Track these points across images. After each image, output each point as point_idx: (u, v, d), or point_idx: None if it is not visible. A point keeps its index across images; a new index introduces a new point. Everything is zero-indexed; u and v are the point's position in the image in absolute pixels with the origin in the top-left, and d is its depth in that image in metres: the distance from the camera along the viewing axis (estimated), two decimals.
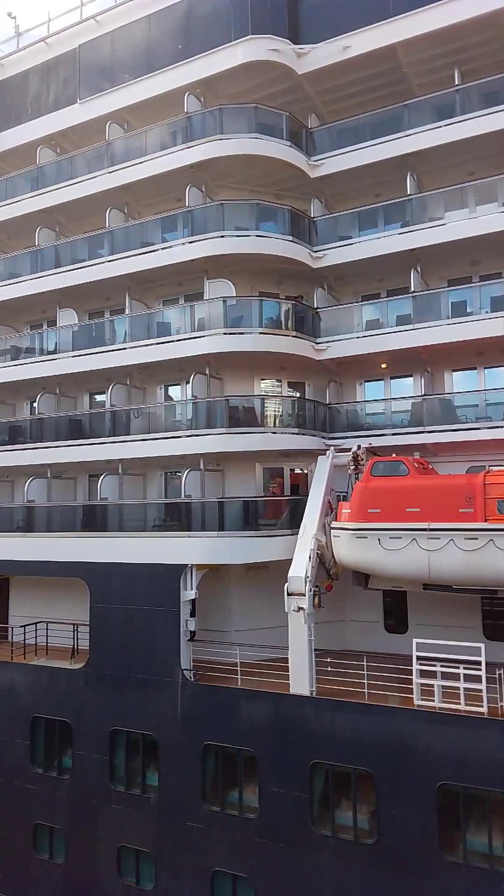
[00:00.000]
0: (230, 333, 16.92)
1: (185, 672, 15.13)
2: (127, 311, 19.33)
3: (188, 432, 17.10)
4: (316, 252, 17.93)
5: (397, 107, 17.19)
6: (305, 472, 17.96)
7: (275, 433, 16.97)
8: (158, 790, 14.95)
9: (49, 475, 19.81)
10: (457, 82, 16.64)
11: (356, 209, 18.08)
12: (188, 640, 15.52)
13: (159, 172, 18.47)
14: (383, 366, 17.95)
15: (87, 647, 16.82)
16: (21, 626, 18.83)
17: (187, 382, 17.78)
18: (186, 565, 15.68)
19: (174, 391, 19.71)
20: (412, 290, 16.89)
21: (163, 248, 18.28)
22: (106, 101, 20.00)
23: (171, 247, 18.09)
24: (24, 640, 18.42)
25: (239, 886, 13.69)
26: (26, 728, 16.95)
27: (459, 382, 17.30)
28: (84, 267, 19.62)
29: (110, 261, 19.11)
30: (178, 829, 14.47)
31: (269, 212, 17.89)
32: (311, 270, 18.02)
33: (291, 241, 17.46)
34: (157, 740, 15.09)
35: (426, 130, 16.62)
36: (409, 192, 17.05)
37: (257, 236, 17.34)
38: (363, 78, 17.70)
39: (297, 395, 18.34)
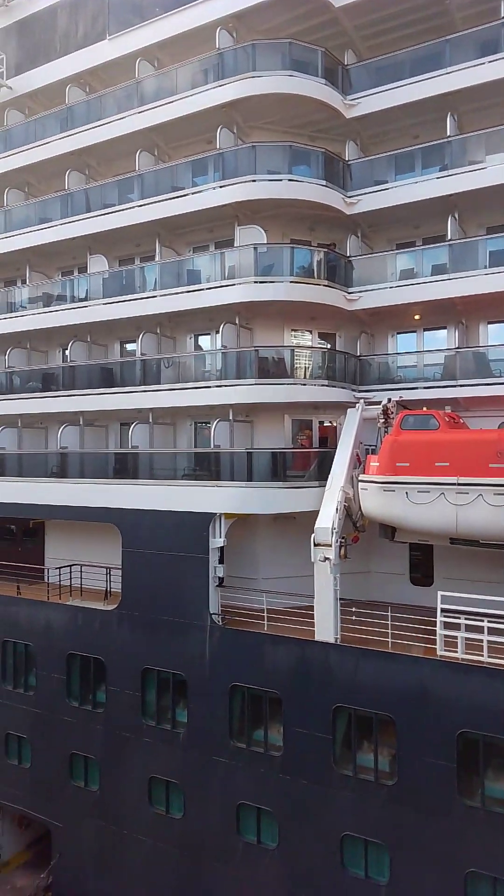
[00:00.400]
0: (261, 282, 16.66)
1: (213, 616, 15.61)
2: (157, 257, 19.11)
3: (217, 382, 17.11)
4: (350, 197, 17.36)
5: (438, 42, 16.25)
6: (334, 424, 17.90)
7: (304, 385, 16.84)
8: (187, 726, 15.67)
9: (81, 422, 20.10)
10: (502, 15, 15.58)
11: (393, 152, 17.33)
12: (216, 585, 15.94)
13: (190, 112, 17.88)
14: (417, 317, 17.57)
15: (120, 590, 17.41)
16: (56, 569, 19.53)
17: (217, 332, 17.67)
18: (215, 514, 15.96)
19: (204, 341, 19.60)
20: (449, 238, 16.33)
21: (193, 193, 17.85)
22: (135, 37, 19.26)
23: (201, 191, 17.65)
24: (60, 581, 19.13)
25: (263, 819, 14.44)
26: (62, 664, 17.77)
27: (495, 335, 16.85)
28: (114, 212, 19.32)
29: (140, 205, 18.77)
30: (205, 762, 15.21)
31: (303, 155, 17.28)
32: (344, 217, 17.49)
33: (325, 186, 16.90)
34: (186, 679, 15.73)
35: (468, 68, 15.73)
36: (448, 134, 16.27)
37: (290, 180, 16.80)
38: (403, 11, 16.72)
39: (328, 346, 18.11)
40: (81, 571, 19.44)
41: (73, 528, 20.61)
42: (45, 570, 20.47)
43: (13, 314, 21.88)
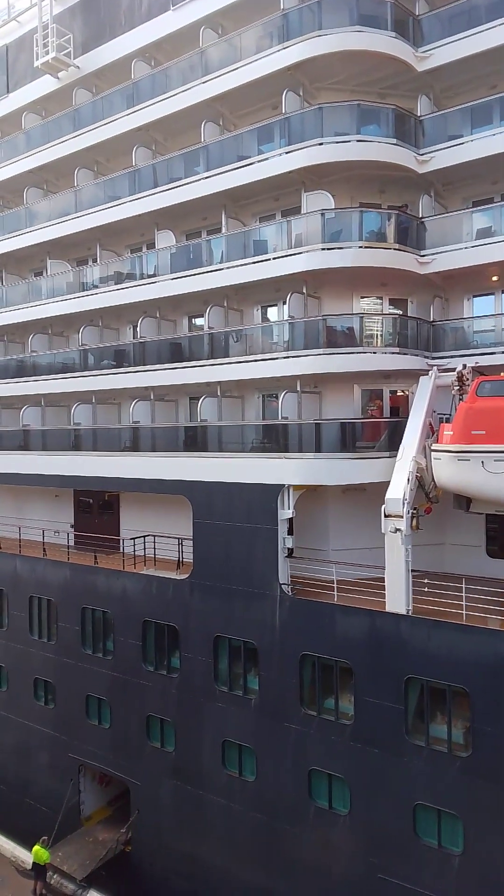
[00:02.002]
0: (328, 249, 16.31)
1: (282, 586, 15.69)
2: (223, 230, 19.04)
3: (284, 354, 16.97)
4: (422, 155, 16.68)
5: None
6: (406, 393, 17.46)
7: (374, 353, 16.47)
8: (259, 692, 15.91)
9: (152, 397, 20.46)
10: None
11: (468, 104, 16.44)
12: (286, 556, 15.99)
13: (255, 78, 17.57)
14: (494, 278, 16.78)
15: (191, 560, 17.76)
16: (131, 539, 20.11)
17: (284, 302, 17.48)
18: (283, 485, 15.96)
19: (271, 312, 19.46)
20: None
21: (258, 161, 17.61)
22: (199, 5, 19.01)
23: (266, 159, 17.38)
24: (134, 551, 19.72)
25: (335, 784, 14.55)
26: (138, 630, 18.37)
27: None
28: (179, 186, 19.33)
29: (206, 178, 18.69)
30: (277, 728, 15.43)
31: (372, 113, 16.67)
32: (416, 176, 16.84)
33: (396, 145, 16.31)
34: (257, 648, 15.93)
35: None
36: None
37: (358, 141, 16.29)
38: None
39: (399, 312, 17.58)
40: (155, 542, 19.95)
41: (145, 500, 21.13)
42: (121, 541, 21.11)
43: (86, 293, 22.39)
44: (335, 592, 14.98)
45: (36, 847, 17.20)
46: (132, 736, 18.43)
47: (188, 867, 17.05)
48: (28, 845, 17.42)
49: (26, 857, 17.64)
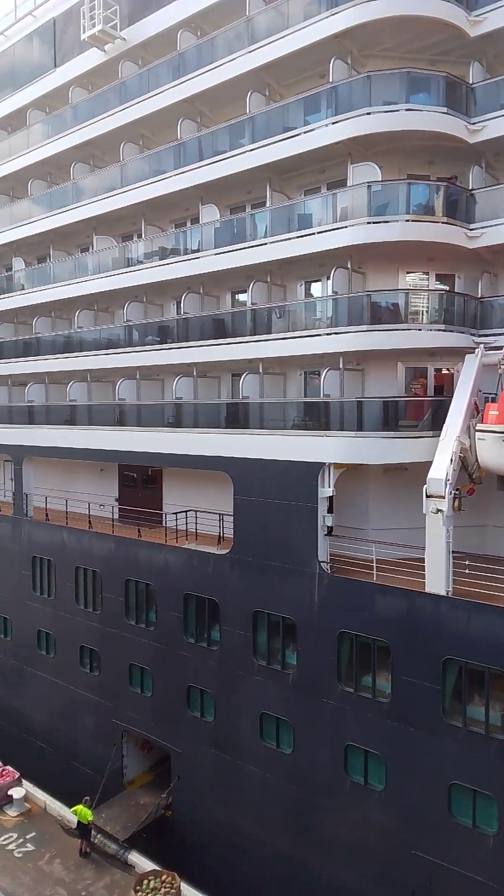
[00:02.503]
0: (374, 222, 15.94)
1: (321, 564, 15.73)
2: (268, 203, 18.79)
3: (327, 330, 16.77)
4: (473, 124, 16.07)
5: None
6: (451, 371, 17.07)
7: (419, 330, 16.14)
8: (296, 668, 16.09)
9: (195, 374, 20.55)
10: None
11: None
12: (325, 534, 15.99)
13: (302, 46, 17.13)
14: None
15: (232, 535, 17.93)
16: (173, 514, 20.43)
17: (328, 278, 17.22)
18: (324, 463, 15.90)
19: (314, 288, 19.21)
20: None
21: (304, 132, 17.25)
22: None
23: (312, 129, 17.02)
24: (176, 525, 20.03)
25: (370, 760, 14.67)
26: (180, 603, 18.74)
27: None
28: (224, 159, 19.11)
29: (251, 150, 18.43)
30: (314, 703, 15.61)
31: (422, 81, 16.10)
32: (467, 146, 16.25)
33: (446, 114, 15.73)
34: (296, 623, 16.07)
35: None
36: None
37: (407, 110, 15.78)
38: None
39: (446, 288, 17.12)
40: (196, 517, 20.21)
41: (187, 475, 21.38)
42: (163, 515, 21.47)
43: (130, 269, 22.50)
44: (374, 571, 14.94)
45: (78, 806, 17.92)
46: (173, 705, 18.93)
47: (225, 834, 17.54)
48: (76, 804, 18.19)
49: (72, 817, 18.42)
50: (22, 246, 28.10)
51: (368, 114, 16.02)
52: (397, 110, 15.85)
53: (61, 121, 25.02)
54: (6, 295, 27.99)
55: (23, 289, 27.40)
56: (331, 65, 16.72)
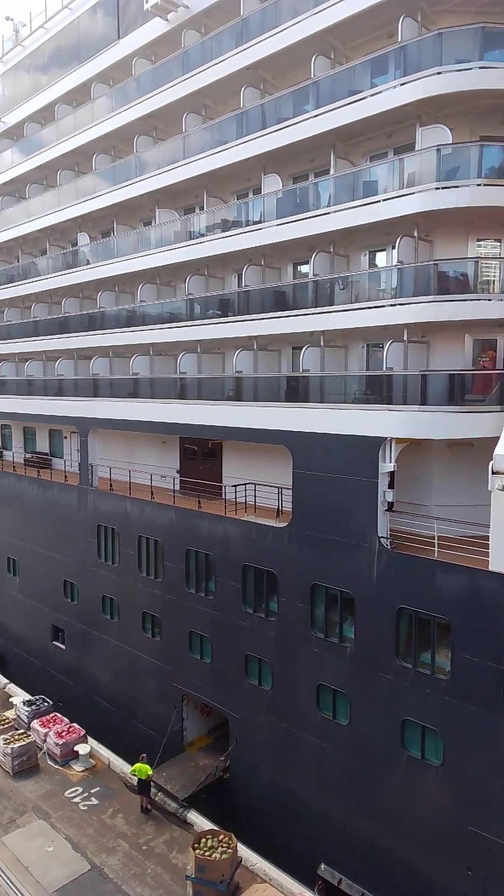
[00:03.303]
0: (443, 188, 15.34)
1: (381, 539, 15.58)
2: (331, 171, 18.33)
3: (392, 301, 16.35)
4: None
5: None
6: None
7: (489, 301, 15.52)
8: (354, 641, 16.11)
9: (255, 347, 20.49)
10: None
11: None
12: (385, 509, 15.81)
13: (370, 5, 16.42)
14: None
15: (290, 508, 17.96)
16: (233, 486, 20.61)
17: (393, 247, 16.74)
18: (386, 438, 15.65)
19: (379, 258, 18.72)
20: None
21: (371, 95, 16.67)
22: None
23: (379, 92, 16.42)
24: (236, 498, 20.23)
25: (427, 736, 14.62)
26: (238, 573, 19.01)
27: None
28: (287, 126, 18.71)
29: (315, 116, 17.97)
30: (371, 677, 15.63)
31: (497, 37, 15.17)
32: None
33: None
34: (354, 598, 16.05)
35: None
36: None
37: (481, 68, 14.98)
38: None
39: None
40: (255, 490, 20.34)
41: (247, 448, 21.48)
42: (223, 488, 21.69)
43: (192, 242, 22.50)
44: (436, 548, 14.70)
45: (137, 765, 18.64)
46: (231, 672, 19.33)
47: (282, 798, 17.92)
48: (135, 763, 18.94)
49: (133, 776, 19.16)
50: (87, 221, 28.51)
51: (439, 73, 15.29)
52: (470, 68, 15.06)
53: (125, 93, 25.06)
54: (72, 270, 28.54)
55: (87, 263, 27.86)
56: (400, 23, 16.02)
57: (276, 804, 18.08)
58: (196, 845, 15.85)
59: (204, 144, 21.76)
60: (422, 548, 15.03)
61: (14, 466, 32.51)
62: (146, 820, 18.49)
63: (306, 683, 17.18)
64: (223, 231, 21.45)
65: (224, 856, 15.47)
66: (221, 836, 16.24)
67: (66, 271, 28.82)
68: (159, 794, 19.22)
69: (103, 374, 26.38)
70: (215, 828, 17.18)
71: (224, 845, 15.86)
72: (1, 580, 32.02)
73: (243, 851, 16.48)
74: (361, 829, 15.87)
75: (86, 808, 19.05)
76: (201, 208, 23.01)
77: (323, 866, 16.54)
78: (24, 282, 32.08)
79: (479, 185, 15.14)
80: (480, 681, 13.49)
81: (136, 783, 18.89)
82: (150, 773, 18.70)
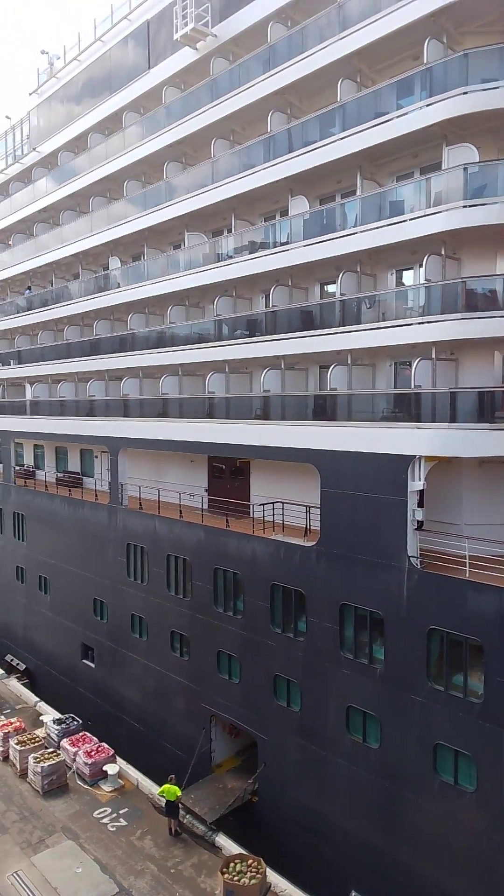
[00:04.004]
0: (471, 206, 15.35)
1: (411, 559, 15.40)
2: (358, 191, 18.50)
3: (419, 319, 16.33)
4: None
5: None
6: None
7: None
8: (384, 662, 15.87)
9: (282, 366, 20.60)
10: None
11: None
12: (415, 528, 15.64)
13: (396, 28, 16.67)
14: None
15: (318, 527, 17.88)
16: (261, 505, 20.63)
17: (420, 266, 16.76)
18: (415, 456, 15.53)
19: (406, 276, 18.74)
20: None
21: (397, 117, 16.83)
22: None
23: (405, 113, 16.57)
24: (264, 516, 20.22)
25: (461, 761, 14.27)
26: (266, 592, 18.93)
27: None
28: (314, 149, 18.97)
29: (341, 138, 18.19)
30: (402, 699, 15.35)
31: None
32: None
33: None
34: (383, 618, 15.84)
35: None
36: None
37: None
38: None
39: None
40: (283, 508, 20.30)
41: (275, 467, 21.51)
42: (251, 506, 21.71)
43: (220, 264, 22.83)
44: (467, 568, 14.46)
45: (165, 786, 18.53)
46: (260, 692, 19.16)
47: (311, 822, 17.61)
48: (163, 784, 18.83)
49: (161, 798, 19.04)
50: (118, 245, 29.16)
51: (465, 93, 15.41)
52: (497, 87, 15.14)
53: (155, 121, 25.72)
54: (103, 293, 29.15)
55: (118, 286, 28.44)
56: (425, 45, 16.22)
57: (306, 828, 17.77)
58: (225, 869, 15.66)
59: (232, 168, 22.17)
60: (453, 567, 14.80)
61: (46, 485, 33.02)
62: (174, 842, 18.34)
63: (336, 705, 16.95)
64: (251, 252, 21.73)
65: (253, 881, 15.27)
66: (250, 861, 16.02)
67: (98, 294, 29.45)
68: (187, 816, 19.05)
69: (133, 394, 26.76)
70: (244, 852, 16.96)
71: (253, 870, 15.66)
72: (33, 598, 32.40)
73: (272, 877, 16.23)
74: (393, 855, 15.49)
75: (114, 829, 18.98)
76: (229, 231, 23.38)
77: (353, 893, 16.16)
78: (57, 305, 32.85)
79: None
80: None
81: (164, 804, 18.78)
82: (179, 794, 18.58)
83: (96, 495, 28.39)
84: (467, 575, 14.37)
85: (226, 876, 15.44)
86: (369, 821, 16.09)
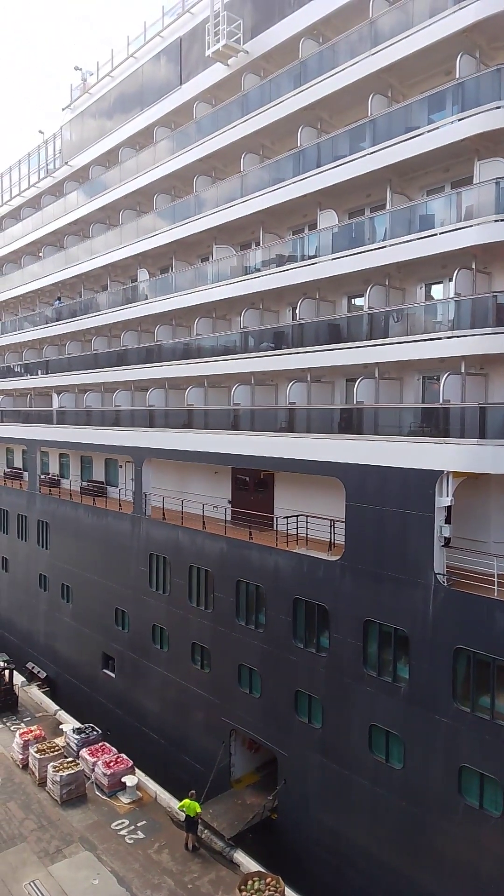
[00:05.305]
0: (502, 220, 15.22)
1: (437, 576, 15.16)
2: (388, 205, 18.47)
3: (448, 333, 16.18)
4: None
5: None
6: None
7: None
8: (409, 681, 15.60)
9: (309, 379, 20.55)
10: None
11: None
12: (442, 545, 15.41)
13: (428, 44, 16.71)
14: None
15: (343, 541, 17.72)
16: (284, 518, 20.51)
17: (450, 280, 16.64)
18: (443, 472, 15.33)
19: (436, 291, 18.62)
20: None
21: (428, 131, 16.80)
22: None
23: (437, 128, 16.54)
24: (287, 529, 20.09)
25: (486, 785, 13.92)
26: (289, 607, 18.77)
27: None
28: (344, 164, 19.00)
29: (371, 153, 18.21)
30: (426, 720, 15.06)
31: None
32: None
33: None
34: (409, 636, 15.59)
35: None
36: None
37: None
38: None
39: None
40: (307, 522, 20.17)
41: (299, 480, 21.41)
42: (274, 519, 21.60)
43: (248, 276, 22.92)
44: (496, 586, 14.19)
45: (186, 801, 18.37)
46: (281, 708, 18.96)
47: (332, 841, 17.31)
48: (182, 798, 18.67)
49: (181, 811, 18.88)
50: (147, 258, 29.48)
51: (498, 108, 15.34)
52: None
53: (185, 136, 26.03)
54: (131, 304, 29.44)
55: (146, 298, 28.71)
56: (458, 61, 16.21)
57: (326, 848, 17.46)
58: (242, 887, 15.44)
59: (261, 183, 22.30)
60: (481, 585, 14.54)
61: (71, 494, 33.27)
62: (192, 857, 18.15)
63: (358, 723, 16.69)
64: (278, 266, 21.78)
65: None
66: (269, 879, 15.79)
67: (126, 306, 29.75)
68: (206, 831, 18.85)
69: (159, 405, 26.90)
70: (262, 870, 16.71)
71: (271, 889, 15.42)
72: (55, 606, 32.56)
73: None
74: (416, 879, 15.13)
75: (132, 841, 18.86)
76: (257, 244, 23.48)
77: None
78: (86, 316, 33.26)
79: None
80: None
81: (183, 819, 18.61)
82: (199, 810, 18.41)
83: (120, 505, 28.50)
84: (496, 594, 14.09)
85: (244, 894, 15.22)
86: (391, 843, 15.76)
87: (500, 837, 13.56)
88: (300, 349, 20.38)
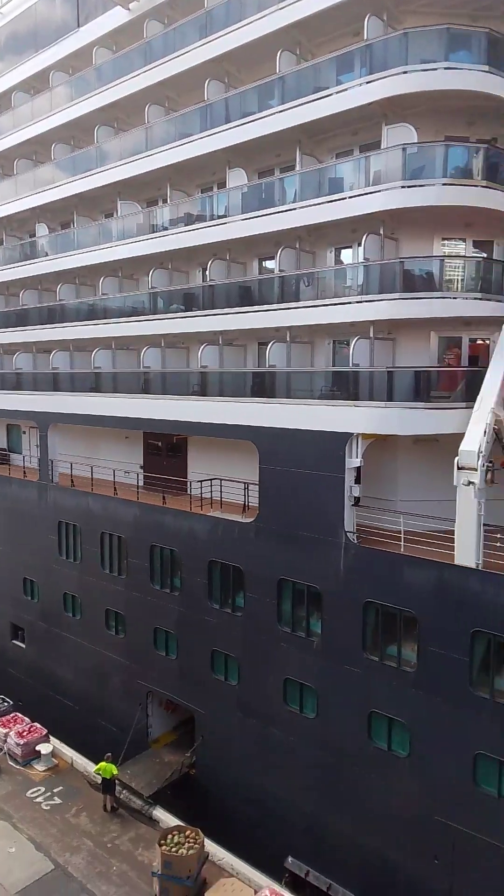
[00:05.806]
0: (409, 186, 15.52)
1: (348, 534, 15.74)
2: (297, 167, 18.35)
3: (358, 298, 16.49)
4: None
5: None
6: (487, 342, 16.75)
7: (454, 299, 15.79)
8: (321, 636, 16.24)
9: (220, 342, 20.38)
10: None
11: None
12: (352, 504, 15.96)
13: (336, 2, 16.48)
14: None
15: (257, 504, 17.98)
16: (198, 482, 20.50)
17: (359, 244, 16.87)
18: (352, 434, 15.79)
19: (345, 255, 18.84)
20: None
21: (337, 93, 16.72)
22: None
23: (345, 90, 16.49)
24: (201, 493, 20.12)
25: (394, 728, 14.86)
26: (205, 569, 18.93)
27: None
28: (253, 121, 18.62)
29: (280, 111, 17.93)
30: (338, 671, 15.79)
31: (462, 38, 15.41)
32: None
33: (488, 72, 15.12)
34: (321, 592, 16.17)
35: None
36: None
37: (446, 69, 15.19)
38: None
39: (484, 255, 16.70)
40: (221, 485, 20.27)
41: (212, 443, 21.39)
42: (188, 483, 21.55)
43: (155, 235, 22.22)
44: (402, 543, 14.93)
45: (102, 763, 18.42)
46: (197, 668, 19.26)
47: (249, 793, 17.97)
48: (99, 762, 18.72)
49: (97, 775, 18.94)
50: (45, 212, 27.87)
51: (405, 73, 15.46)
52: (436, 69, 15.27)
53: (85, 82, 24.54)
54: (30, 261, 27.86)
55: (46, 255, 27.26)
56: (366, 22, 16.11)
57: (243, 799, 18.13)
58: (162, 842, 15.77)
59: (167, 136, 21.47)
60: (388, 542, 15.24)
61: None
62: (111, 818, 18.29)
63: (273, 678, 17.25)
64: (187, 224, 21.25)
65: (191, 851, 15.43)
66: (188, 832, 16.20)
67: (24, 262, 28.12)
68: (124, 791, 19.04)
69: (64, 368, 25.85)
70: (182, 824, 17.12)
71: (191, 841, 15.83)
72: None
73: (210, 846, 16.47)
74: (330, 822, 16.05)
75: (48, 807, 18.74)
76: (165, 201, 22.74)
77: (290, 859, 16.68)
78: None
79: (444, 184, 15.37)
80: (447, 673, 13.77)
81: (100, 782, 18.68)
82: (115, 772, 18.51)
83: (24, 472, 27.44)
84: (402, 549, 14.83)
85: (163, 848, 15.54)
86: (306, 789, 16.57)
87: (407, 777, 14.56)
88: (211, 311, 20.12)
